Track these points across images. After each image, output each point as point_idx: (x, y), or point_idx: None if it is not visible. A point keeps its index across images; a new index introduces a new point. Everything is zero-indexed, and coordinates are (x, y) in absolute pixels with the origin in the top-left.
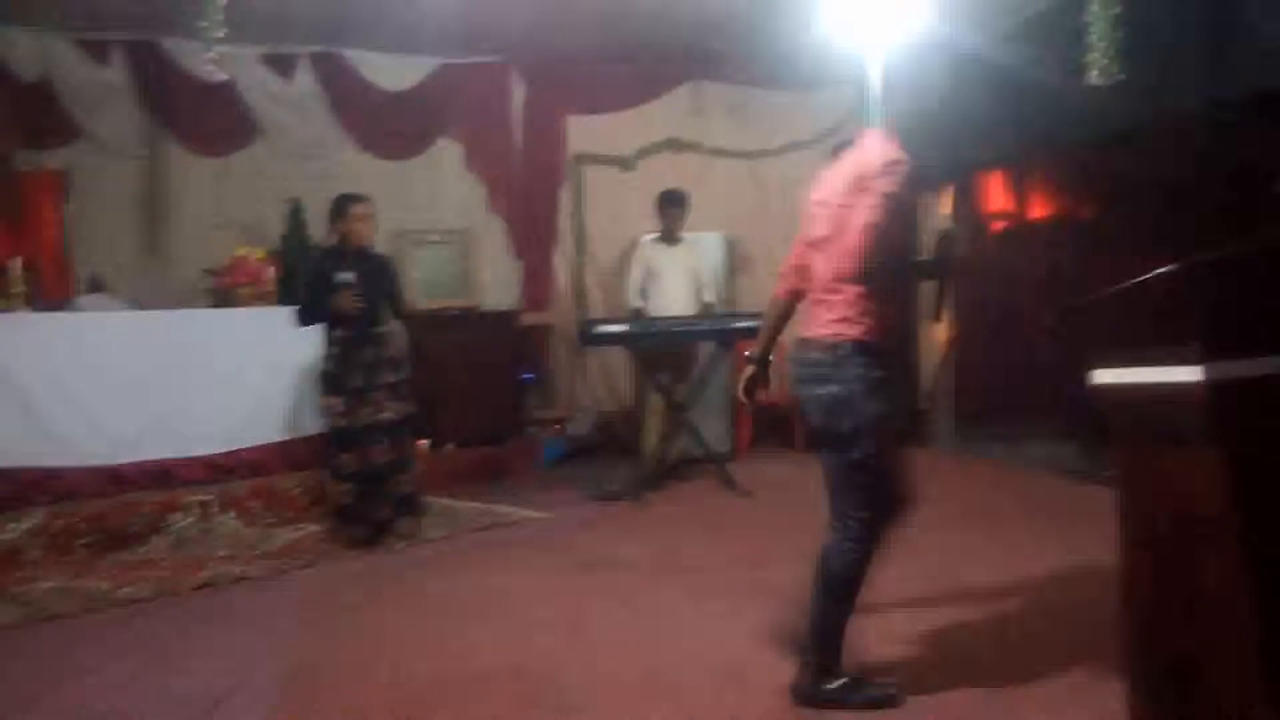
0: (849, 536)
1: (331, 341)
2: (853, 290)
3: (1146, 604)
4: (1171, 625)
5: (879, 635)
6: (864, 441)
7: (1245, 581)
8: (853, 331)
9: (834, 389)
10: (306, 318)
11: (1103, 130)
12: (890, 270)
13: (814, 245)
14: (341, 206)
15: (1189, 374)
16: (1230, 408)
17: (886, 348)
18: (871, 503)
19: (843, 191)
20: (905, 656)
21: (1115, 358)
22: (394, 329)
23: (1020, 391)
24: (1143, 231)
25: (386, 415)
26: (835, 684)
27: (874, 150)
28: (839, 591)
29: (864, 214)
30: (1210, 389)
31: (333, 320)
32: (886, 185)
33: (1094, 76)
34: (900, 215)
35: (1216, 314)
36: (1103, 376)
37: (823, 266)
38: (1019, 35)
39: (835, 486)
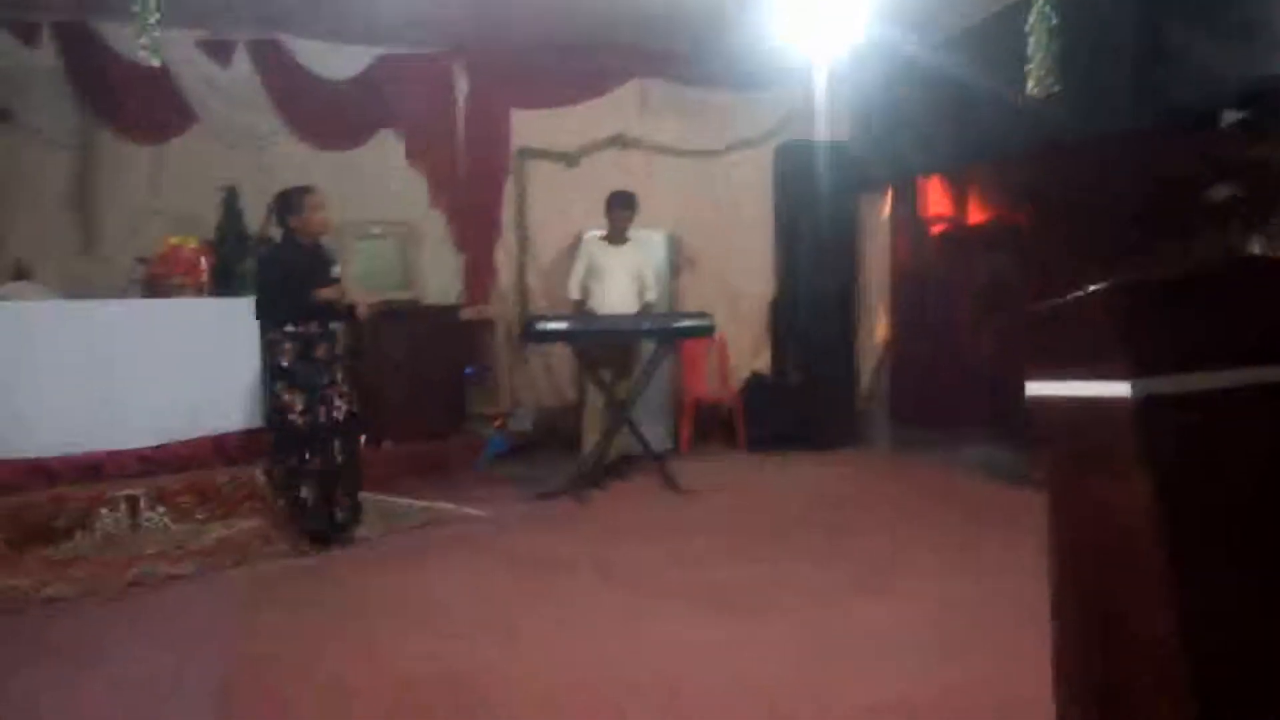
0: None
1: (287, 337)
2: None
3: (1073, 623)
4: (1097, 647)
5: (807, 637)
6: None
7: (1170, 603)
8: None
9: None
10: (274, 311)
11: (1040, 139)
12: None
13: None
14: (295, 200)
15: (1119, 389)
16: (1158, 425)
17: None
18: None
19: None
20: (828, 664)
21: (1047, 370)
22: (336, 331)
23: (955, 395)
24: (1078, 239)
25: (338, 414)
26: None
27: None
28: None
29: None
30: (1139, 405)
31: (298, 315)
32: None
33: (1031, 88)
34: None
35: (1147, 331)
36: (1035, 389)
37: None
38: (960, 44)
39: None
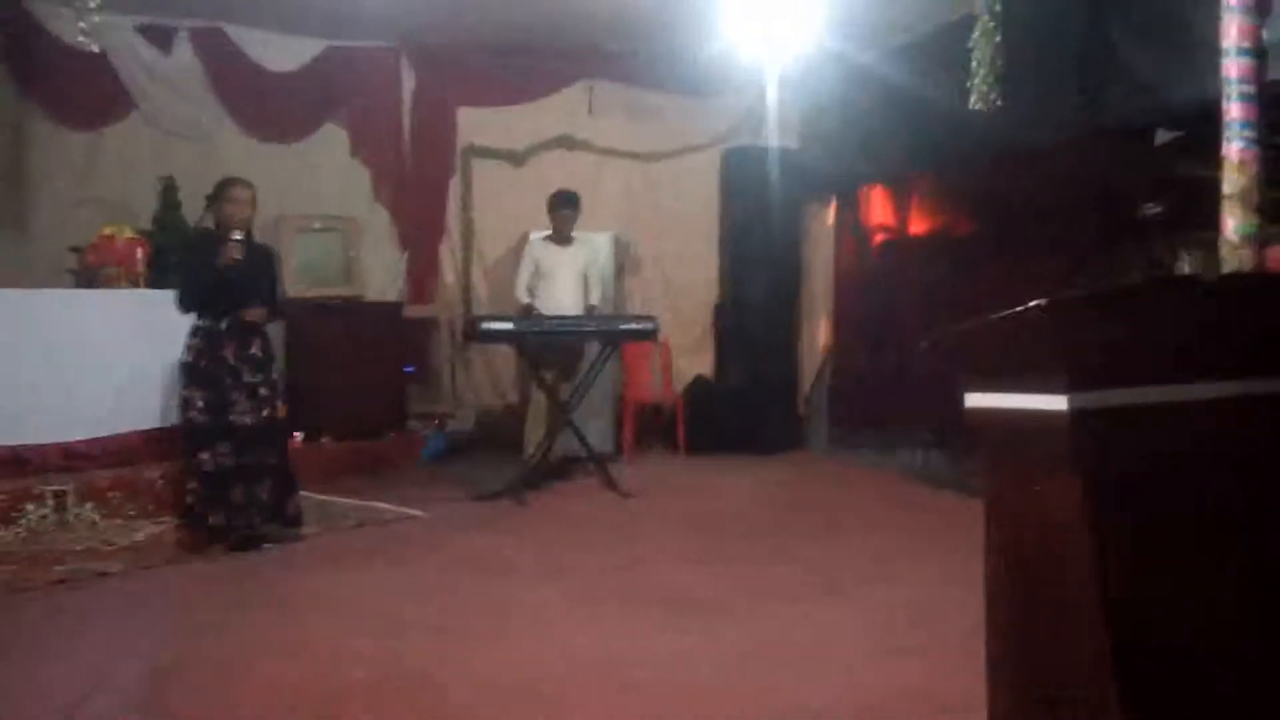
0: None
1: (194, 332)
2: None
3: (1007, 627)
4: (1029, 651)
5: (753, 639)
6: None
7: (1100, 609)
8: None
9: None
10: (189, 300)
11: (983, 150)
12: None
13: None
14: (219, 190)
15: (1055, 402)
16: (1092, 437)
17: None
18: None
19: None
20: (774, 666)
21: (985, 382)
22: (264, 327)
23: (894, 400)
24: (1016, 250)
25: (247, 418)
26: None
27: None
28: None
29: None
30: (1075, 418)
31: (204, 305)
32: None
33: (975, 101)
34: None
35: (1082, 346)
36: (974, 399)
37: None
38: (908, 54)
39: None
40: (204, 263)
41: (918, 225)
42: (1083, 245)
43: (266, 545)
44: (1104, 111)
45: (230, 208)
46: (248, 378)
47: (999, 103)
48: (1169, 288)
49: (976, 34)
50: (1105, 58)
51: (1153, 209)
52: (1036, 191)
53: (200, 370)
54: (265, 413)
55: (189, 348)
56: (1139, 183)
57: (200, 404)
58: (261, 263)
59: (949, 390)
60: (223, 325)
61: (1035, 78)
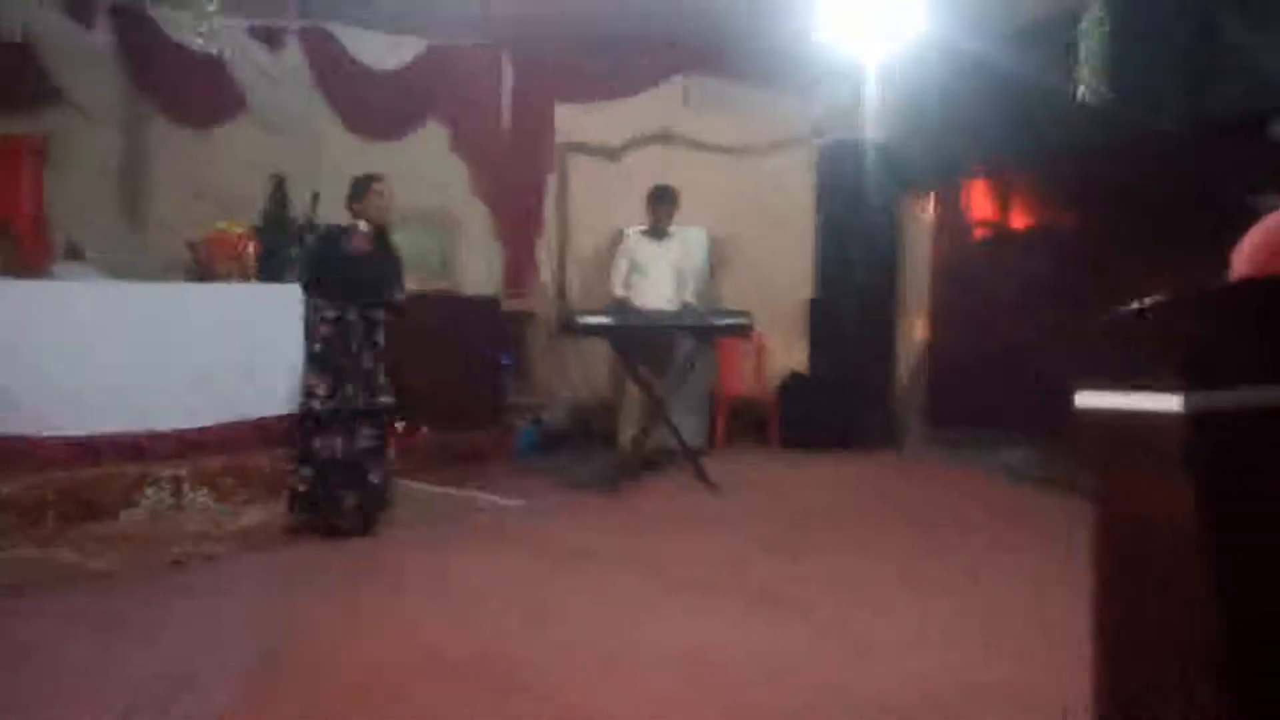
0: None
1: (323, 321)
2: None
3: (1114, 632)
4: (1137, 656)
5: (841, 633)
6: None
7: (1213, 617)
8: None
9: None
10: (315, 287)
11: (1090, 142)
12: None
13: None
14: (360, 185)
15: (1170, 403)
16: (1208, 439)
17: None
18: None
19: None
20: (861, 660)
21: (1097, 381)
22: (382, 318)
23: (992, 398)
24: (1124, 245)
25: (367, 402)
26: None
27: None
28: None
29: None
30: (1191, 419)
31: (331, 292)
32: None
33: (1082, 91)
34: None
35: (1200, 344)
36: (1085, 399)
37: None
38: (1011, 45)
39: None
40: (336, 252)
41: (1019, 219)
42: (1192, 240)
43: (370, 531)
44: (1215, 101)
45: (377, 201)
46: (367, 364)
47: (1109, 91)
48: None
49: (1085, 23)
50: (1217, 46)
51: (1266, 202)
52: (1144, 184)
53: (326, 359)
54: (380, 399)
55: (318, 337)
56: (1251, 175)
57: (322, 392)
58: (392, 261)
59: (1052, 389)
60: (350, 315)
61: (1144, 67)
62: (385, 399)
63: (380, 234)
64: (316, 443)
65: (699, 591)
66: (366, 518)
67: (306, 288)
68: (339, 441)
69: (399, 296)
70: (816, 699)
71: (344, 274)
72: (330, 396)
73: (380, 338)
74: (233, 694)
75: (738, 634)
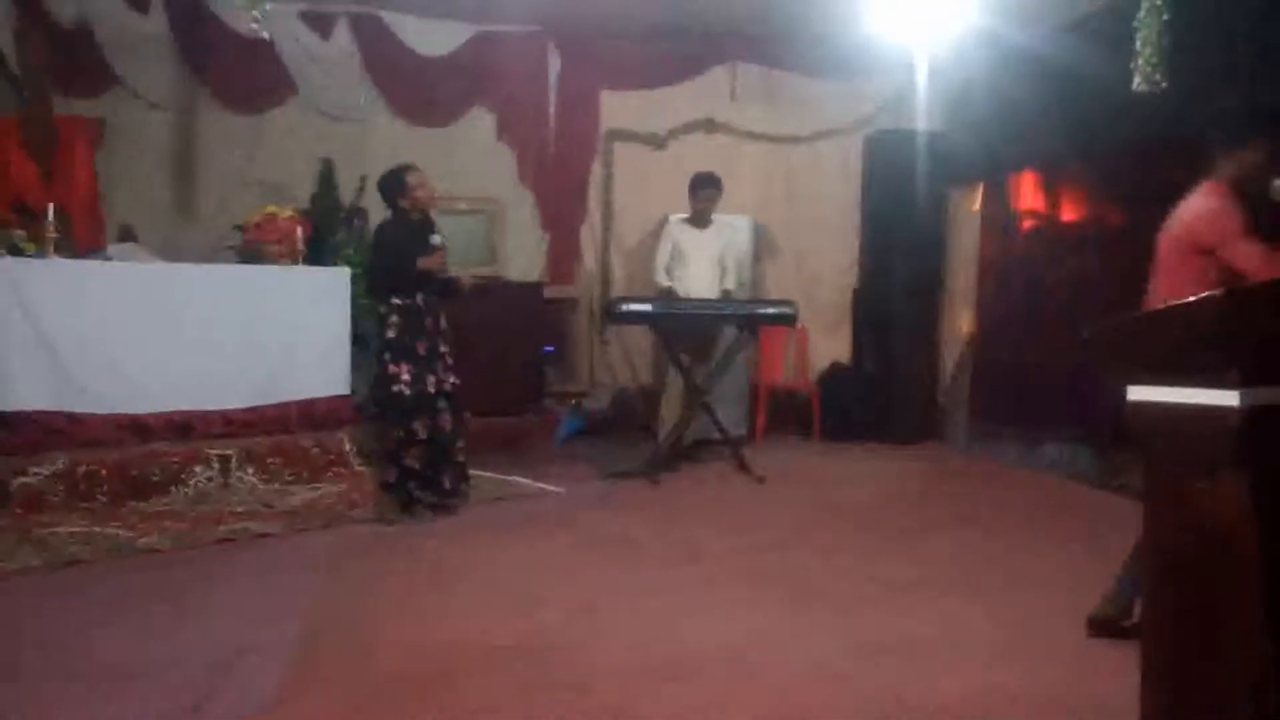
0: None
1: (393, 310)
2: None
3: (1166, 628)
4: (1192, 658)
5: (882, 629)
6: None
7: (1270, 613)
8: None
9: None
10: (386, 283)
11: (1142, 135)
12: None
13: None
14: (398, 179)
15: (1226, 398)
16: (1266, 435)
17: None
18: None
19: None
20: (903, 658)
21: (1151, 376)
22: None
23: (1038, 394)
24: None
25: (448, 383)
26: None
27: None
28: None
29: None
30: (1247, 415)
31: (409, 286)
32: None
33: (1138, 83)
34: None
35: (1257, 340)
36: (1138, 394)
37: None
38: (1064, 36)
39: None
40: (410, 260)
41: (1071, 213)
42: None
43: (454, 507)
44: (1274, 94)
45: (420, 193)
46: (443, 347)
47: (1164, 84)
48: None
49: (1142, 13)
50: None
51: None
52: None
53: (405, 345)
54: (454, 380)
55: (391, 325)
56: None
57: (406, 377)
58: (426, 236)
59: (1101, 384)
60: (420, 301)
61: (1203, 60)
62: (456, 381)
63: (430, 222)
64: (414, 425)
65: (741, 585)
66: (455, 496)
67: (381, 277)
68: (430, 423)
69: (458, 279)
70: (861, 701)
71: (407, 269)
72: (414, 382)
73: (446, 323)
74: (277, 676)
75: (781, 631)
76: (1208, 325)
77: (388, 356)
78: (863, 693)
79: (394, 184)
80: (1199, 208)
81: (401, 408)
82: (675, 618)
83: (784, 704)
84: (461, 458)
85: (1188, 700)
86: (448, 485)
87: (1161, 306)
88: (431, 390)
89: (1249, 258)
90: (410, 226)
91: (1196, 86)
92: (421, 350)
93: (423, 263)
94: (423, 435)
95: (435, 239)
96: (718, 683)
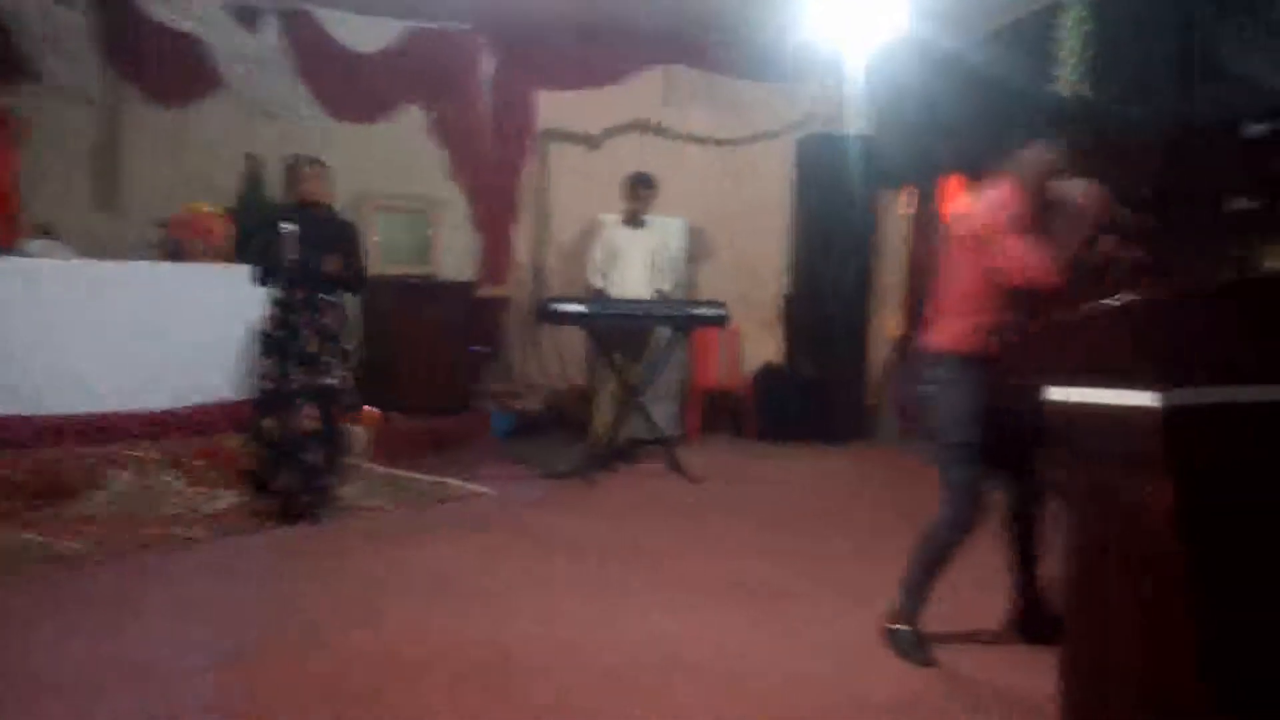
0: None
1: (273, 302)
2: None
3: (1091, 631)
4: (1113, 654)
5: (824, 627)
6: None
7: (1191, 606)
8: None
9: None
10: (260, 274)
11: (1069, 142)
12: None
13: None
14: (294, 168)
15: (1147, 399)
16: (1185, 435)
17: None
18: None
19: None
20: (849, 657)
21: (1072, 377)
22: (337, 298)
23: None
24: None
25: (311, 384)
26: (901, 629)
27: None
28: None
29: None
30: (1166, 415)
31: (275, 279)
32: None
33: (1062, 90)
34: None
35: (1176, 342)
36: (1058, 394)
37: None
38: (992, 42)
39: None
40: (276, 244)
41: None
42: (1170, 240)
43: (310, 517)
44: (1196, 103)
45: (305, 185)
46: (312, 348)
47: (1087, 91)
48: (1266, 285)
49: (1067, 21)
50: (1196, 48)
51: (1243, 204)
52: (1122, 184)
53: (272, 339)
54: (324, 380)
55: (267, 318)
56: (1229, 178)
57: (270, 372)
58: (338, 238)
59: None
60: (298, 296)
61: (1125, 68)
62: (330, 381)
63: (325, 216)
64: (267, 422)
65: (678, 585)
66: (300, 501)
67: (261, 273)
68: (280, 421)
69: (352, 272)
70: (800, 699)
71: (287, 257)
72: (276, 376)
73: (329, 319)
74: (204, 686)
75: (718, 630)
76: (1129, 327)
77: (258, 350)
78: (795, 691)
79: (289, 172)
80: (982, 202)
81: (260, 404)
82: (612, 618)
83: (727, 702)
84: (313, 461)
85: (1109, 692)
86: (283, 487)
87: (955, 299)
88: (297, 387)
89: (1010, 253)
90: (306, 218)
91: (1117, 92)
92: (291, 345)
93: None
94: (272, 434)
95: (285, 227)
96: (656, 683)
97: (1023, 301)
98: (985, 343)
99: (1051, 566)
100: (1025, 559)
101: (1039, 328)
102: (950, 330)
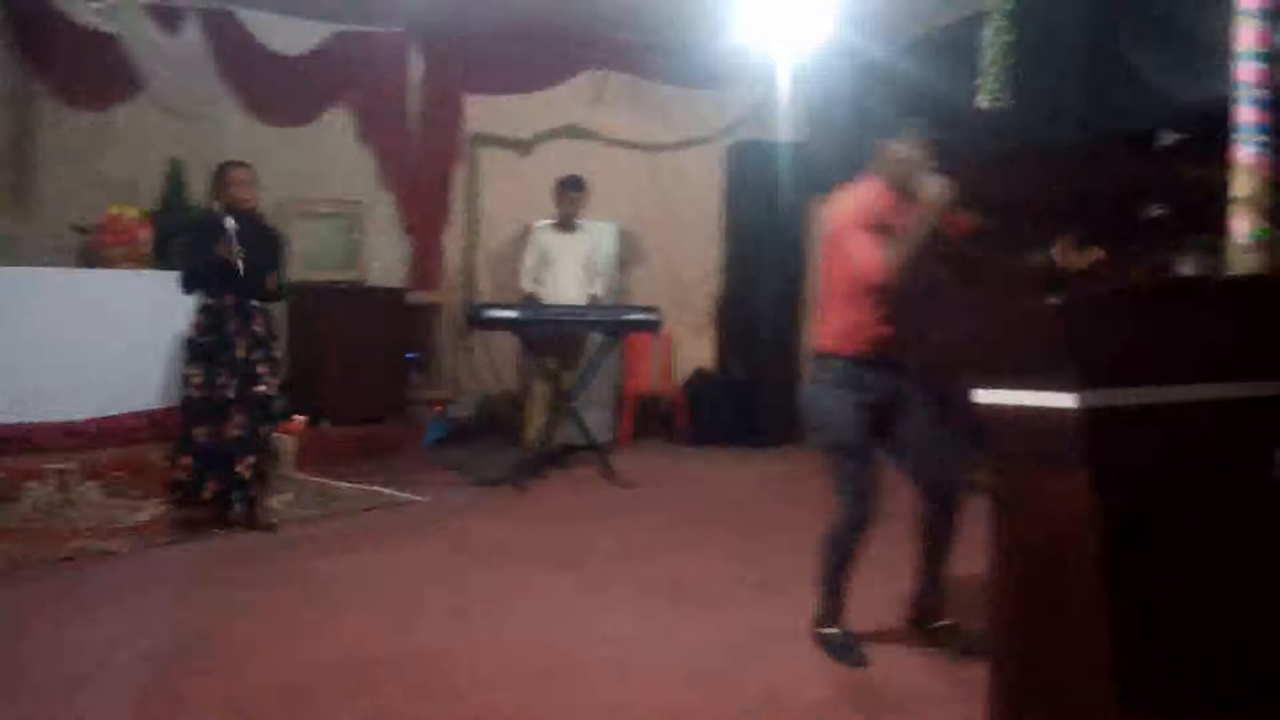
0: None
1: (200, 309)
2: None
3: (1013, 627)
4: (1035, 650)
5: (755, 627)
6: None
7: (1104, 601)
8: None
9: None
10: (190, 280)
11: (988, 149)
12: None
13: None
14: (219, 173)
15: (1065, 400)
16: (1102, 435)
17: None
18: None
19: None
20: (777, 655)
21: (996, 379)
22: (266, 305)
23: None
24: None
25: (243, 392)
26: (829, 632)
27: None
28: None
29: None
30: (1083, 415)
31: (205, 282)
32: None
33: (983, 98)
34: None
35: (1093, 345)
36: (986, 395)
37: None
38: (919, 50)
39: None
40: (207, 245)
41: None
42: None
43: (233, 523)
44: (1110, 112)
45: (234, 190)
46: (241, 354)
47: (1007, 101)
48: (1179, 289)
49: (988, 32)
50: (1113, 58)
51: (1157, 211)
52: (1042, 191)
53: (200, 346)
54: (256, 388)
55: (194, 325)
56: (1143, 185)
57: (198, 380)
58: (266, 244)
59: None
60: (227, 302)
61: (1044, 77)
62: (261, 389)
63: (253, 221)
64: (196, 430)
65: (614, 588)
66: (231, 508)
67: (185, 279)
68: (210, 430)
69: (272, 282)
70: (739, 696)
71: (214, 265)
72: (204, 384)
73: (260, 326)
74: (128, 701)
75: (658, 632)
76: (1047, 330)
77: (184, 357)
78: (734, 689)
79: (216, 177)
80: (850, 200)
81: (187, 412)
82: (549, 622)
83: (662, 704)
84: (242, 470)
85: (1035, 686)
86: (211, 495)
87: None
88: (230, 396)
89: (857, 250)
90: (217, 222)
91: (1038, 101)
92: (217, 353)
93: (217, 252)
94: (202, 443)
95: (230, 223)
96: (594, 685)
97: (889, 300)
98: (861, 342)
99: (966, 566)
100: (931, 557)
101: (966, 328)
102: (827, 331)
